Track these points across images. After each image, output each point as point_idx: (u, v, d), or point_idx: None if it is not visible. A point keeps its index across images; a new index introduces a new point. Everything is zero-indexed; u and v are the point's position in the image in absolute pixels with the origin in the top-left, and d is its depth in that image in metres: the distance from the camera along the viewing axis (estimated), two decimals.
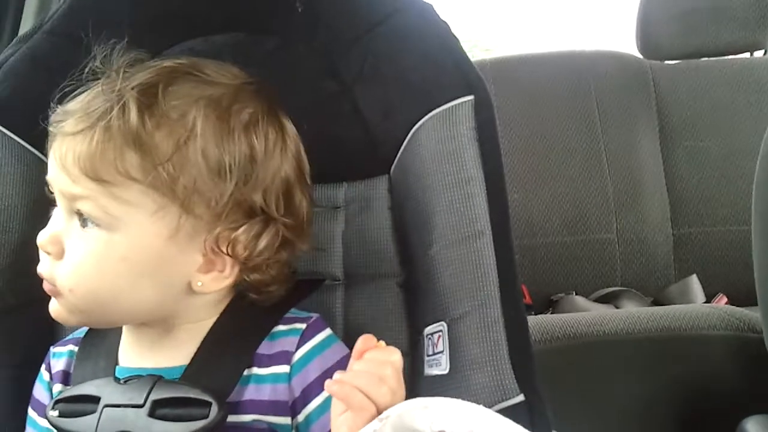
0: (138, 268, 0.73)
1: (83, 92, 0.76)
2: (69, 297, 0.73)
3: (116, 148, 0.70)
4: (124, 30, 0.79)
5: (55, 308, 0.76)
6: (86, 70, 0.77)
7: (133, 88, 0.72)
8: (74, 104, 0.75)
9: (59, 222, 0.75)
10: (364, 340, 0.70)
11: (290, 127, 0.83)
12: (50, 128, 0.75)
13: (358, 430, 0.63)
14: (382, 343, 0.70)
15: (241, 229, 0.75)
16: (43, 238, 0.75)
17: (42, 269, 0.75)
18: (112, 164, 0.70)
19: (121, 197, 0.71)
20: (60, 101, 0.76)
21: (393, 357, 0.69)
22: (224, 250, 0.75)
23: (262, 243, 0.76)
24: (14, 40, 0.97)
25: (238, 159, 0.74)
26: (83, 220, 0.72)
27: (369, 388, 0.65)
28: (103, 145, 0.70)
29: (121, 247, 0.72)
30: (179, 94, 0.74)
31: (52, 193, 0.76)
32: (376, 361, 0.68)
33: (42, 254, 0.76)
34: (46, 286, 0.75)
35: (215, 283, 0.77)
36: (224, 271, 0.77)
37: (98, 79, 0.76)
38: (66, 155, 0.72)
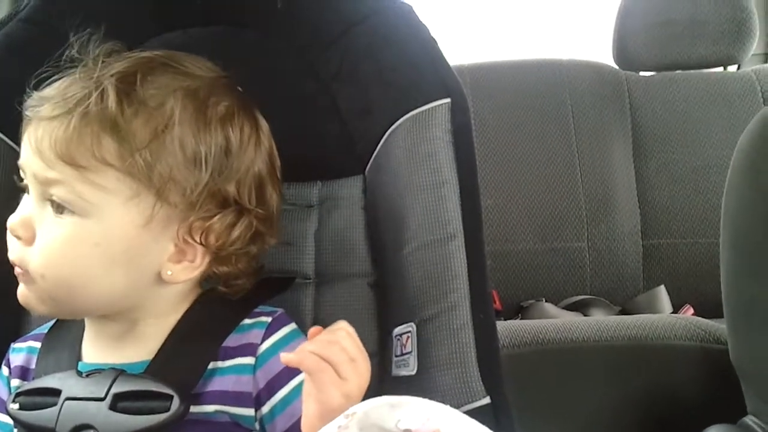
0: (110, 254, 0.73)
1: (59, 79, 0.75)
2: (40, 283, 0.73)
3: (93, 133, 0.70)
4: (100, 21, 0.78)
5: (23, 294, 0.75)
6: (63, 57, 0.76)
7: (112, 76, 0.72)
8: (51, 90, 0.74)
9: (30, 207, 0.74)
10: (314, 331, 0.70)
11: (264, 124, 0.83)
12: (25, 113, 0.75)
13: (323, 396, 0.65)
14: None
15: (215, 218, 0.76)
16: (13, 221, 0.74)
17: (12, 255, 0.75)
18: (89, 149, 0.70)
19: (97, 183, 0.71)
20: (36, 87, 0.76)
21: (339, 324, 0.70)
22: (197, 239, 0.75)
23: (235, 233, 0.77)
24: None
25: (213, 150, 0.75)
26: (57, 206, 0.72)
27: (318, 349, 0.66)
28: (81, 130, 0.70)
29: (95, 233, 0.72)
30: (157, 83, 0.75)
31: (22, 180, 0.76)
32: (325, 333, 0.69)
33: (11, 239, 0.75)
34: (17, 272, 0.75)
35: (185, 273, 0.77)
36: (194, 261, 0.77)
37: (75, 67, 0.75)
38: (42, 139, 0.71)
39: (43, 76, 0.76)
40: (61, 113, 0.71)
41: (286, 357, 0.67)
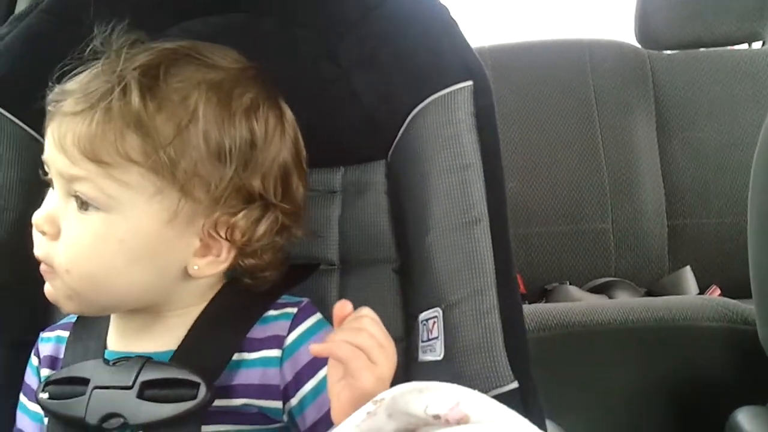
0: (135, 250, 0.73)
1: (82, 72, 0.75)
2: (65, 278, 0.73)
3: (117, 129, 0.70)
4: (120, 9, 0.78)
5: (50, 292, 0.76)
6: (86, 49, 0.76)
7: (134, 69, 0.72)
8: (73, 84, 0.74)
9: (55, 202, 0.74)
10: (341, 306, 0.70)
11: (289, 113, 0.83)
12: (48, 107, 0.74)
13: (357, 383, 0.65)
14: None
15: (240, 215, 0.75)
16: (38, 217, 0.74)
17: (38, 251, 0.75)
18: (113, 146, 0.70)
19: (121, 179, 0.71)
20: (59, 80, 0.76)
21: (363, 311, 0.70)
22: (222, 235, 0.75)
23: (261, 229, 0.77)
24: (10, 18, 0.96)
25: (238, 143, 0.74)
26: (81, 202, 0.72)
27: (349, 337, 0.66)
28: (104, 127, 0.70)
29: (119, 229, 0.72)
30: (181, 76, 0.74)
31: (46, 173, 0.76)
32: (350, 320, 0.69)
33: (36, 235, 0.75)
34: (42, 268, 0.75)
35: (211, 268, 0.77)
36: (220, 256, 0.77)
37: (97, 59, 0.75)
38: (65, 136, 0.71)
39: (65, 68, 0.76)
40: (83, 109, 0.71)
41: (315, 348, 0.67)
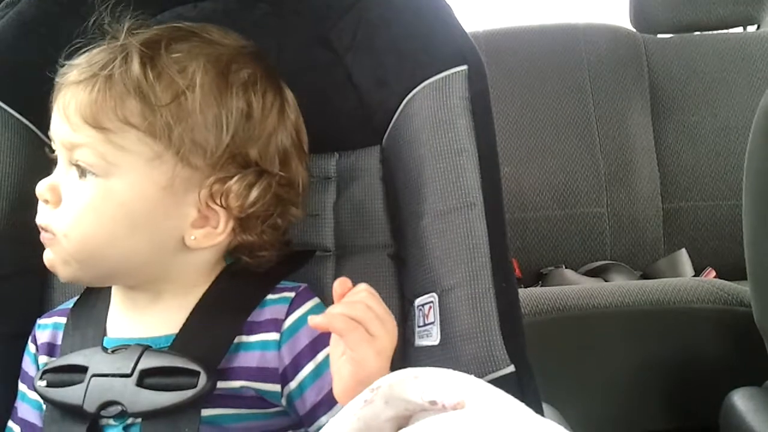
0: (133, 215, 0.74)
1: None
2: (63, 243, 0.74)
3: (117, 95, 0.73)
4: None
5: (49, 257, 0.77)
6: (91, 30, 0.78)
7: (137, 43, 0.75)
8: (80, 59, 0.77)
9: (58, 172, 0.77)
10: (341, 283, 0.71)
11: (290, 96, 0.85)
12: (56, 80, 0.77)
13: (357, 356, 0.66)
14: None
15: (234, 179, 0.76)
16: (41, 187, 0.76)
17: (40, 219, 0.76)
18: (113, 111, 0.73)
19: (120, 144, 0.73)
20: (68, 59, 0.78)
21: (361, 286, 0.71)
22: (218, 201, 0.76)
23: (254, 193, 0.77)
24: (1, 4, 0.96)
25: (234, 114, 0.76)
26: (81, 170, 0.74)
27: (345, 310, 0.67)
28: (105, 93, 0.73)
29: (118, 193, 0.74)
30: (181, 49, 0.77)
31: (53, 151, 0.78)
32: (348, 295, 0.70)
33: (40, 205, 0.77)
34: (42, 236, 0.77)
35: (208, 239, 0.78)
36: (217, 228, 0.78)
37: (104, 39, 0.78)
38: (69, 104, 0.74)
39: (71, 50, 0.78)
40: (86, 77, 0.74)
41: (314, 321, 0.68)
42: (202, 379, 0.72)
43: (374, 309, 0.68)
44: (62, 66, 0.77)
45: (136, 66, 0.73)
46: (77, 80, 0.74)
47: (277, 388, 0.77)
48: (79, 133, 0.73)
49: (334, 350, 0.70)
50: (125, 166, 0.73)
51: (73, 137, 0.73)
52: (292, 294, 0.81)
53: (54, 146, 0.77)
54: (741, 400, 1.10)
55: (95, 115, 0.72)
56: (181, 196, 0.75)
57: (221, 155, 0.75)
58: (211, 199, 0.76)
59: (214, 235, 0.78)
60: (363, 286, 0.71)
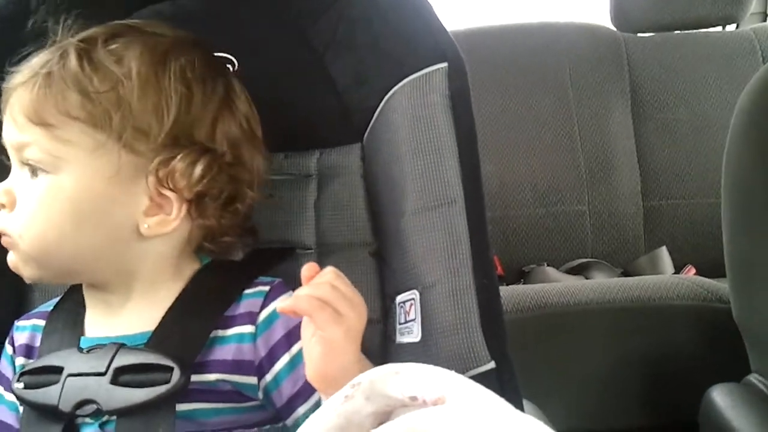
0: (81, 209, 0.75)
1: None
2: (20, 244, 0.75)
3: (57, 91, 0.75)
4: None
5: (11, 260, 0.78)
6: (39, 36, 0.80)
7: (75, 40, 0.77)
8: (23, 65, 0.78)
9: (12, 176, 0.78)
10: (308, 267, 0.72)
11: (238, 86, 0.85)
12: (3, 86, 0.78)
13: (326, 335, 0.67)
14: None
15: (178, 158, 0.77)
16: None
17: None
18: (54, 106, 0.74)
19: (63, 138, 0.74)
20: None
21: (327, 269, 0.72)
22: (166, 184, 0.77)
23: (198, 168, 0.77)
24: None
25: (174, 98, 0.77)
26: (32, 169, 0.75)
27: (311, 291, 0.68)
28: (45, 90, 0.75)
29: (66, 188, 0.75)
30: (118, 42, 0.78)
31: (8, 159, 0.78)
32: (316, 278, 0.71)
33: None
34: (3, 240, 0.77)
35: (162, 226, 0.78)
36: (171, 214, 0.78)
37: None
38: (14, 105, 0.76)
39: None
40: (27, 78, 0.76)
41: (281, 306, 0.69)
42: (176, 375, 0.72)
43: (340, 288, 0.69)
44: (9, 73, 0.78)
45: (73, 61, 0.75)
46: (21, 82, 0.76)
47: (253, 380, 0.77)
48: (25, 132, 0.75)
49: (305, 333, 0.70)
50: (71, 159, 0.74)
51: (20, 137, 0.75)
52: (267, 288, 0.81)
53: (9, 154, 0.78)
54: (720, 396, 1.10)
55: (38, 112, 0.74)
56: (129, 184, 0.76)
57: (164, 139, 0.76)
58: (159, 184, 0.76)
59: (167, 222, 0.78)
60: (329, 269, 0.71)
